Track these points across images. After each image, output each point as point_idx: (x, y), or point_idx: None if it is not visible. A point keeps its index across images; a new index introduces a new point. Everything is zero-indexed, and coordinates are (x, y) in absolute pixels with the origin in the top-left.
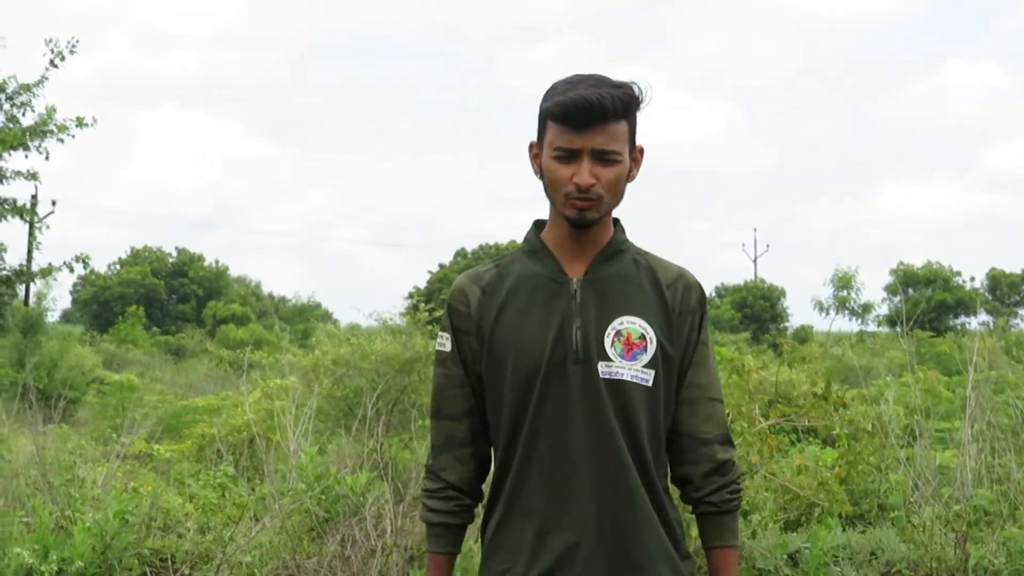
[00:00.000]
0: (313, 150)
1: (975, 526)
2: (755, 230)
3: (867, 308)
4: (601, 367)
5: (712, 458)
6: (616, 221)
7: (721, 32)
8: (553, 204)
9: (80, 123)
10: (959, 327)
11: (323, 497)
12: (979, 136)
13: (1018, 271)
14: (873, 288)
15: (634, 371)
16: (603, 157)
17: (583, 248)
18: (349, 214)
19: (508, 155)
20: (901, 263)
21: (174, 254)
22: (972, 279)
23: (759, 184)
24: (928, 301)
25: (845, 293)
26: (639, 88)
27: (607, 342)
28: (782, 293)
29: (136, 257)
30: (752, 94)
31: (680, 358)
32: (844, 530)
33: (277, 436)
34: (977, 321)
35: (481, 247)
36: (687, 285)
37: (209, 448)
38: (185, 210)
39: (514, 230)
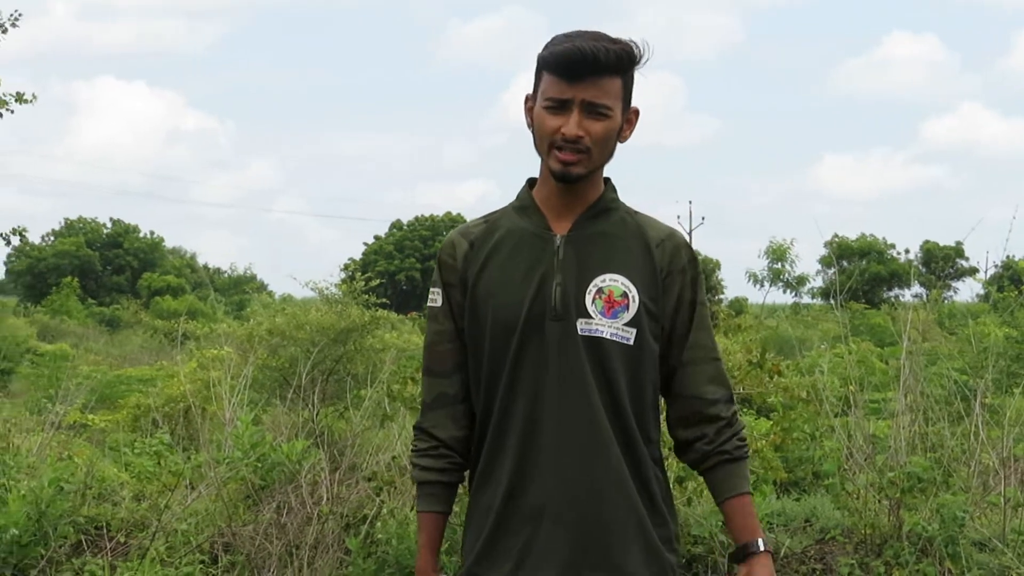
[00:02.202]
0: (253, 123)
1: (909, 493)
2: (690, 203)
3: (801, 280)
4: (580, 324)
5: (721, 414)
6: (607, 180)
7: (665, 6)
8: (540, 155)
9: (20, 99)
10: (893, 299)
11: (259, 465)
12: (919, 109)
13: (952, 243)
14: (808, 261)
15: (614, 329)
16: (594, 110)
17: (571, 205)
18: (288, 186)
19: (448, 128)
20: (836, 235)
21: (109, 225)
22: (906, 251)
23: (698, 158)
24: (862, 273)
25: (779, 265)
26: (638, 47)
27: (588, 299)
28: (717, 265)
29: (70, 228)
30: (694, 68)
31: (672, 319)
32: (779, 497)
33: (213, 406)
34: (911, 293)
35: (417, 218)
36: (676, 245)
37: (144, 418)
38: (122, 182)
39: (453, 202)
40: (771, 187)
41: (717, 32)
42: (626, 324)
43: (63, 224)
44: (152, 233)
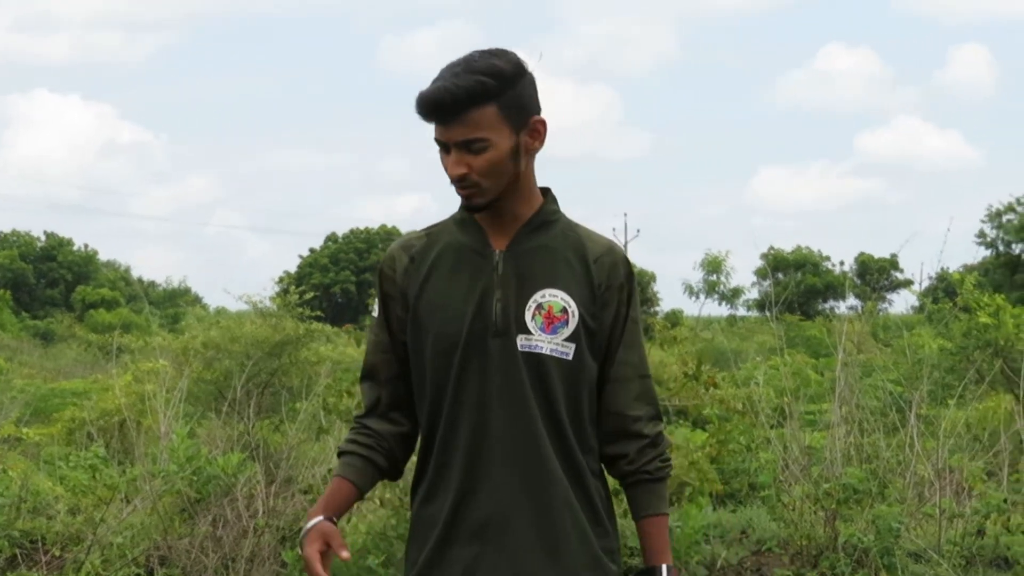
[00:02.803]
0: (189, 136)
1: (844, 504)
2: (625, 215)
3: (737, 292)
4: (520, 340)
5: (643, 433)
6: (546, 192)
7: (602, 20)
8: None
9: None
10: (828, 311)
11: (194, 478)
12: (854, 122)
13: (887, 256)
14: (744, 273)
15: (554, 345)
16: (468, 147)
17: (506, 223)
18: (223, 200)
19: (385, 142)
20: (771, 248)
21: (43, 239)
22: (841, 263)
23: (634, 170)
24: (797, 285)
25: (715, 277)
26: (504, 67)
27: (528, 315)
28: (652, 278)
29: (3, 241)
30: (630, 82)
31: (608, 334)
32: (715, 509)
33: (148, 419)
34: (846, 305)
35: (352, 231)
36: (615, 260)
37: (79, 431)
38: (56, 195)
39: (389, 216)
40: (707, 200)
41: (654, 45)
42: (565, 339)
43: None
44: (86, 246)
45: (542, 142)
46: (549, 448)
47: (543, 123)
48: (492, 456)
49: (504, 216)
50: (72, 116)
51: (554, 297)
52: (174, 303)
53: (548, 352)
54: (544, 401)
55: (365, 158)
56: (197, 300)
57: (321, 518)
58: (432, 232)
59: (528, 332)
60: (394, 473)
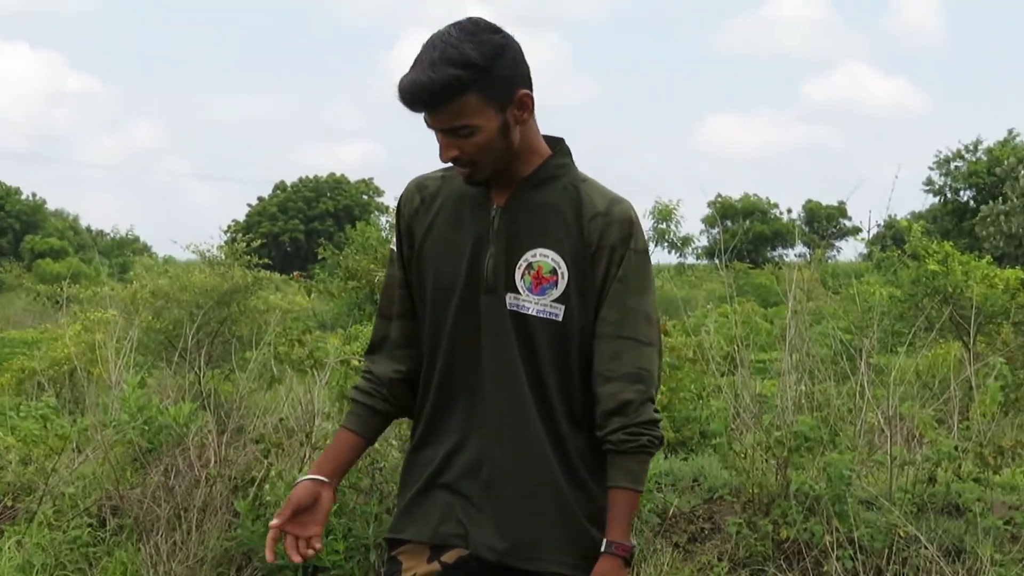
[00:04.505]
0: (136, 84)
1: (796, 452)
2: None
3: (686, 241)
4: (508, 298)
5: (615, 396)
6: (558, 144)
7: None
8: None
9: None
10: (777, 259)
11: (146, 428)
12: (802, 68)
13: (835, 203)
14: (692, 221)
15: (541, 306)
16: (455, 132)
17: (509, 179)
18: (172, 148)
19: (331, 88)
20: (719, 195)
21: None
22: (789, 211)
23: (582, 118)
24: (746, 233)
25: (664, 226)
26: (481, 50)
27: (517, 274)
28: None
29: None
30: (579, 29)
31: (597, 295)
32: (666, 457)
33: (98, 369)
34: (794, 253)
35: (301, 180)
36: (610, 220)
37: (29, 381)
38: (3, 144)
39: (336, 163)
40: (655, 147)
41: None
42: (554, 300)
43: None
44: (34, 195)
45: (531, 112)
46: (531, 407)
47: (529, 96)
48: (484, 411)
49: (506, 175)
50: (18, 64)
51: (544, 257)
52: (122, 252)
53: (535, 313)
54: (530, 360)
55: (312, 105)
56: (145, 249)
57: (307, 477)
58: (447, 176)
59: (516, 291)
60: (402, 412)
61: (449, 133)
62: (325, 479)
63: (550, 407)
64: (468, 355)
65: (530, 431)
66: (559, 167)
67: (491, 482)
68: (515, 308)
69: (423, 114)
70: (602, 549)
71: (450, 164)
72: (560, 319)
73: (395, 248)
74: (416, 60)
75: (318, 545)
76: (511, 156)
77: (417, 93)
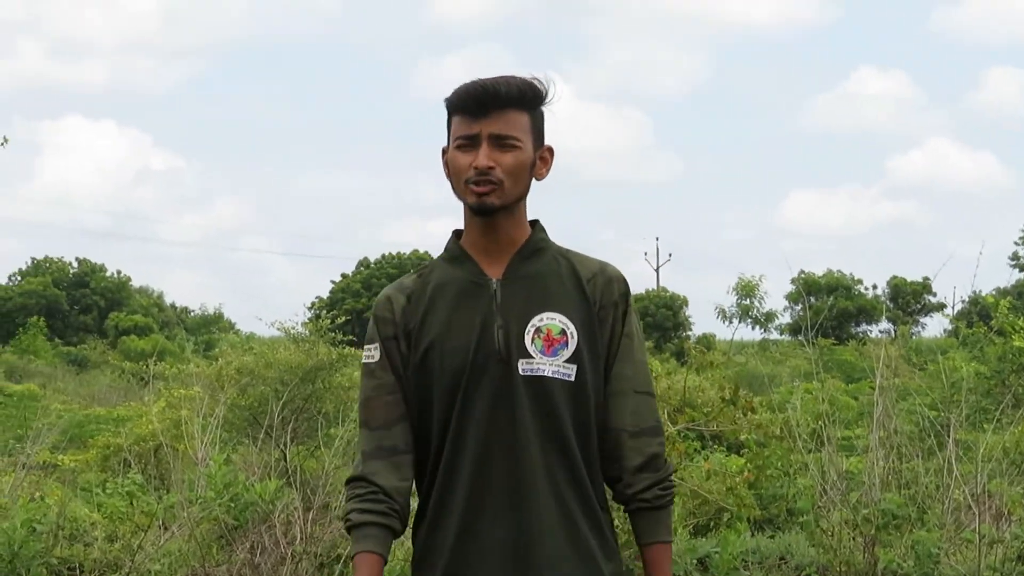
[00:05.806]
0: (221, 161)
1: (883, 530)
2: (657, 239)
3: (770, 317)
4: (521, 365)
5: (641, 451)
6: (535, 223)
7: (634, 42)
8: (458, 196)
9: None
10: (861, 335)
11: (232, 505)
12: (886, 145)
13: (919, 279)
14: (776, 297)
15: (555, 367)
16: (502, 142)
17: (501, 249)
18: (256, 225)
19: (417, 165)
20: (803, 271)
21: (75, 265)
22: (874, 287)
23: (665, 194)
24: (830, 309)
25: (748, 301)
26: (542, 83)
27: (527, 339)
28: (684, 302)
29: (37, 268)
30: (662, 104)
31: (606, 352)
32: (753, 535)
33: (184, 445)
34: (879, 329)
35: (384, 256)
36: (608, 279)
37: (114, 457)
38: (89, 221)
39: (421, 240)
40: (738, 223)
41: (685, 69)
42: (566, 361)
43: (30, 264)
44: (119, 272)
45: (548, 170)
46: (555, 472)
47: (552, 151)
48: (496, 482)
49: (500, 240)
50: (105, 142)
51: (552, 320)
52: (208, 329)
53: (550, 374)
54: (550, 424)
55: (396, 182)
56: (231, 326)
57: None
58: (423, 273)
59: (529, 356)
60: (405, 525)
61: (495, 141)
62: None
63: (575, 470)
64: (478, 431)
65: (558, 496)
66: (543, 240)
67: (518, 553)
68: (529, 372)
69: (466, 121)
70: None
71: (416, 269)
72: (572, 379)
73: (376, 357)
74: (470, 80)
75: None
76: (516, 209)
77: (489, 90)
